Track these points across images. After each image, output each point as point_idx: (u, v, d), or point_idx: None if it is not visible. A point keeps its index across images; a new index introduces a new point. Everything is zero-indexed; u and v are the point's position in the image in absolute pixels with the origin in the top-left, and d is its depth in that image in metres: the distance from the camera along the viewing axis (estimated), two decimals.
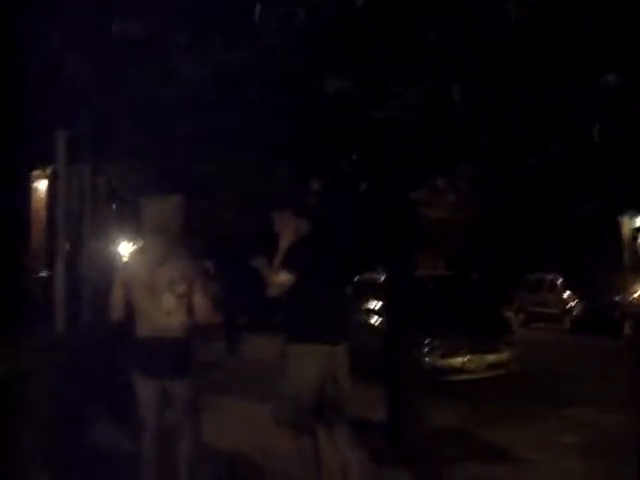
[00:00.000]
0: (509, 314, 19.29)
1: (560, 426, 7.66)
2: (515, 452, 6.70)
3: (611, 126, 5.12)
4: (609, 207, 20.95)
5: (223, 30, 5.21)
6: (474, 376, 10.40)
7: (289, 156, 7.01)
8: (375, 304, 12.01)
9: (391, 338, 7.19)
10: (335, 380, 4.94)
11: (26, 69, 6.77)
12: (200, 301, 4.89)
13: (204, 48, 5.33)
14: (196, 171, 8.91)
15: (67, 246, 7.97)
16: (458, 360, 10.47)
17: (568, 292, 19.63)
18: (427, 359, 10.00)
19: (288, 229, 5.14)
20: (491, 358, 10.61)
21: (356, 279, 14.12)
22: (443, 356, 10.43)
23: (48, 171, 10.11)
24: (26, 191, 9.33)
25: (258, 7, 4.86)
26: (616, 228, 24.09)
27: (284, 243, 5.10)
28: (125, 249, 15.69)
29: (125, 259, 6.69)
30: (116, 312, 5.01)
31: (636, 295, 17.36)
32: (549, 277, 20.67)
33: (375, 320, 11.63)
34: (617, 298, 18.11)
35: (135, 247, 7.68)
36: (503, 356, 10.72)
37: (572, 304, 19.28)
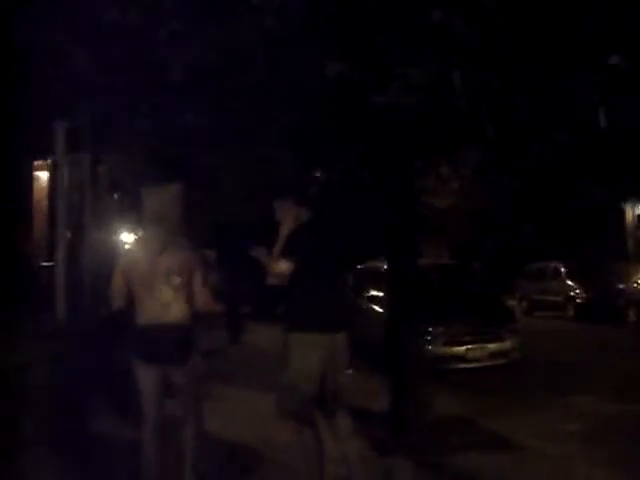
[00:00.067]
0: (512, 302, 19.27)
1: (563, 414, 7.64)
2: (517, 440, 6.68)
3: (616, 111, 5.07)
4: (613, 195, 20.93)
5: (221, 13, 5.17)
6: (477, 365, 10.38)
7: (291, 144, 6.97)
8: (378, 292, 11.98)
9: (393, 327, 7.17)
10: (336, 369, 4.92)
11: (26, 60, 6.74)
12: (200, 290, 4.91)
13: (203, 32, 5.28)
14: (197, 160, 8.88)
15: (68, 235, 7.96)
16: (461, 349, 10.45)
17: (571, 280, 19.59)
18: (430, 348, 9.97)
19: (288, 217, 5.11)
20: (494, 347, 10.58)
21: (359, 267, 14.13)
22: (446, 344, 10.41)
23: (49, 161, 10.09)
24: (27, 181, 9.32)
25: None
26: (620, 216, 24.07)
27: (284, 232, 5.07)
28: (126, 238, 15.69)
29: (126, 248, 6.67)
30: (116, 301, 5.01)
31: None
32: (552, 265, 20.62)
33: (378, 308, 11.60)
34: (621, 286, 18.09)
35: (136, 236, 7.66)
36: (506, 344, 10.69)
37: (576, 292, 19.25)
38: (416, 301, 7.09)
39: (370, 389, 8.25)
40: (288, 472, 5.39)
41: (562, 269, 20.02)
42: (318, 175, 8.07)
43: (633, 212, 24.47)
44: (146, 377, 4.87)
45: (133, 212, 12.10)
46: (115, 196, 13.75)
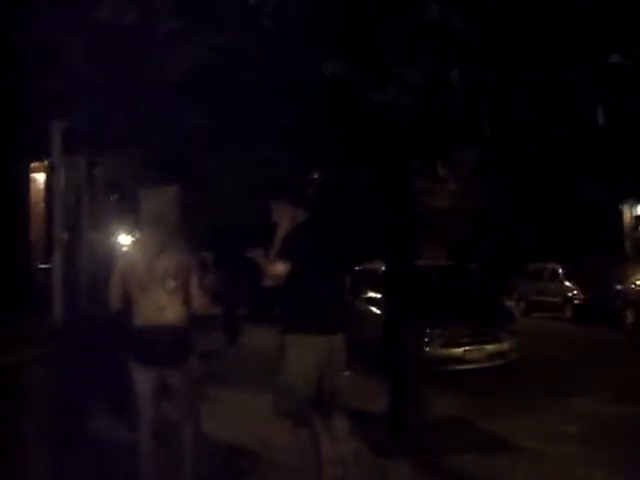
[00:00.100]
0: (510, 303, 19.26)
1: (561, 416, 7.63)
2: (516, 442, 6.68)
3: (615, 109, 5.05)
4: (611, 196, 20.95)
5: (218, 13, 5.15)
6: (475, 366, 10.37)
7: (289, 144, 6.95)
8: (375, 294, 11.98)
9: (391, 328, 7.16)
10: (333, 371, 4.90)
11: (22, 60, 6.73)
12: (197, 292, 4.91)
13: (200, 32, 5.26)
14: (195, 162, 8.86)
15: (65, 237, 7.94)
16: (459, 350, 10.44)
17: (569, 281, 19.60)
18: (428, 349, 9.94)
19: (285, 219, 5.10)
20: (492, 348, 10.57)
21: (357, 269, 14.11)
22: (444, 346, 10.39)
23: (46, 163, 10.08)
24: (24, 183, 9.30)
25: None
26: (618, 217, 24.10)
27: (281, 233, 5.06)
28: (124, 240, 15.67)
29: (124, 250, 6.67)
30: (114, 302, 5.00)
31: (638, 283, 17.30)
32: (550, 266, 20.62)
33: (376, 309, 11.60)
34: (618, 287, 18.07)
35: (134, 238, 7.66)
36: (504, 346, 10.68)
37: (574, 293, 19.25)
38: (414, 302, 7.08)
39: (368, 390, 8.24)
40: (286, 473, 5.38)
41: (560, 270, 20.02)
42: (315, 176, 8.07)
43: (631, 213, 24.49)
44: (143, 379, 4.87)
45: (131, 214, 12.08)
46: (112, 198, 13.73)
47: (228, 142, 6.85)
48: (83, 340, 6.72)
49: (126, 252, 5.36)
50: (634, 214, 24.40)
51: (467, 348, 10.46)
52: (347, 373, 5.15)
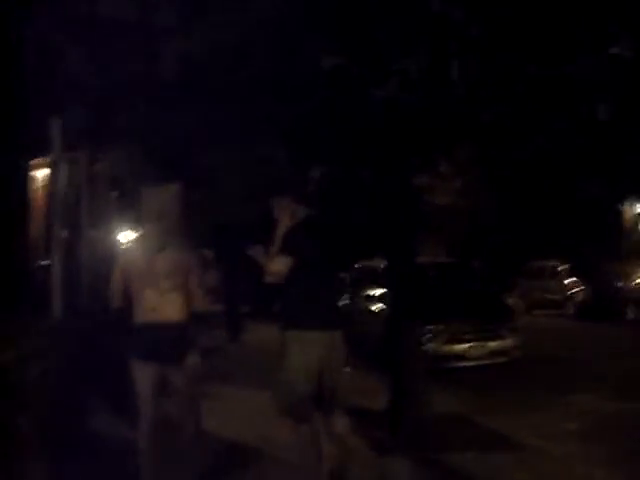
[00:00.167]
0: (511, 301, 19.26)
1: (563, 413, 7.62)
2: (517, 439, 6.66)
3: (616, 104, 5.03)
4: (611, 194, 20.93)
5: (217, 6, 5.13)
6: (476, 363, 10.36)
7: (289, 141, 6.94)
8: (375, 291, 11.98)
9: (392, 325, 7.14)
10: (333, 367, 4.89)
11: (22, 57, 6.71)
12: (197, 290, 4.93)
13: (199, 26, 5.25)
14: (196, 159, 8.85)
15: (65, 234, 7.94)
16: (460, 347, 10.43)
17: (570, 278, 19.61)
18: (430, 346, 9.94)
19: (286, 215, 5.08)
20: (493, 345, 10.56)
21: (357, 266, 14.12)
22: (446, 343, 10.38)
23: (46, 160, 10.06)
24: (23, 180, 9.30)
25: None
26: (618, 215, 24.08)
27: (281, 230, 5.04)
28: (126, 237, 15.65)
29: (125, 247, 6.68)
30: (115, 300, 5.03)
31: (638, 281, 17.31)
32: (551, 264, 20.65)
33: (376, 307, 11.60)
34: (619, 284, 18.08)
35: (135, 235, 7.67)
36: (506, 343, 10.67)
37: (574, 290, 19.26)
38: (416, 299, 7.06)
39: (368, 387, 8.23)
40: (287, 470, 5.36)
41: (561, 267, 20.03)
42: (316, 173, 8.04)
43: (631, 211, 24.48)
44: (143, 376, 4.86)
45: (132, 211, 12.07)
46: (113, 195, 13.72)
47: (228, 139, 6.84)
48: (82, 337, 6.71)
49: (127, 249, 5.37)
50: (634, 212, 24.39)
51: (469, 345, 10.45)
52: (347, 370, 5.14)
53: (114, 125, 7.01)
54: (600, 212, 22.71)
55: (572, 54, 4.94)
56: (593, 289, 18.62)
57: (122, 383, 5.16)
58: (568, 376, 9.68)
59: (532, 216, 23.89)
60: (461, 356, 10.40)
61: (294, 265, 4.80)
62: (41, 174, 11.23)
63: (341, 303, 10.92)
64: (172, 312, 4.82)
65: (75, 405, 6.21)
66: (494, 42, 4.93)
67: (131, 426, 5.11)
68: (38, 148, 8.83)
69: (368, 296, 12.35)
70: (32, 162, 10.52)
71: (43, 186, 11.05)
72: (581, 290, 19.13)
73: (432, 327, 10.15)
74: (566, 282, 19.62)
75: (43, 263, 9.79)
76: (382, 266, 10.63)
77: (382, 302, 10.93)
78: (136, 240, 5.37)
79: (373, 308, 11.71)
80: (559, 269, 20.08)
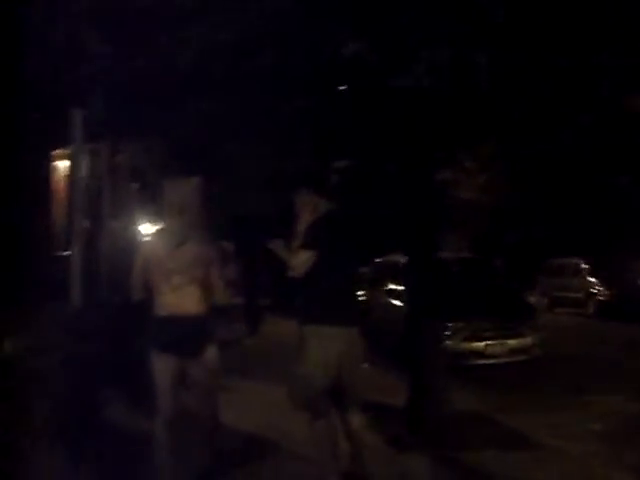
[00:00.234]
0: (533, 298, 19.12)
1: (583, 413, 7.52)
2: (536, 438, 6.59)
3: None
4: (636, 191, 20.69)
5: None
6: (496, 361, 10.26)
7: (310, 131, 6.88)
8: (395, 287, 11.93)
9: (412, 321, 7.09)
10: (351, 363, 4.86)
11: (44, 47, 6.73)
12: (217, 283, 4.97)
13: (216, 12, 5.19)
14: (216, 150, 8.84)
15: (86, 225, 7.98)
16: (480, 344, 10.34)
17: (592, 276, 19.43)
18: (449, 343, 9.86)
19: (307, 209, 5.06)
20: (514, 343, 10.46)
21: (378, 261, 14.07)
22: (465, 340, 10.30)
23: (68, 151, 10.12)
24: (45, 171, 9.35)
25: None
26: None
27: (301, 223, 5.03)
28: (147, 228, 15.71)
29: (146, 239, 6.71)
30: (136, 291, 5.05)
31: None
32: (573, 261, 20.46)
33: (395, 302, 11.54)
34: None
35: (157, 227, 7.70)
36: (526, 341, 10.56)
37: (596, 289, 19.08)
38: (436, 295, 7.00)
39: (387, 384, 8.19)
40: (303, 464, 5.34)
41: (583, 265, 19.86)
42: (339, 165, 7.99)
43: None
44: (162, 368, 4.89)
45: (152, 202, 12.11)
46: (134, 186, 13.77)
47: (248, 130, 6.80)
48: (101, 327, 6.74)
49: (148, 242, 5.39)
50: None
51: (489, 343, 10.35)
52: (365, 366, 5.12)
53: (134, 117, 7.01)
54: (625, 209, 22.46)
55: (602, 44, 4.83)
56: (615, 287, 18.43)
57: (140, 374, 5.17)
58: (589, 375, 9.56)
59: (555, 213, 23.70)
60: (481, 354, 10.31)
61: (315, 260, 4.78)
62: (63, 165, 11.28)
63: (360, 298, 10.90)
64: (192, 305, 4.86)
65: (92, 395, 6.23)
66: (521, 30, 4.82)
67: (148, 417, 5.11)
68: (60, 139, 8.87)
69: (388, 291, 12.29)
70: (54, 153, 10.59)
71: (65, 177, 11.09)
72: (603, 288, 18.94)
73: (452, 324, 10.07)
74: (588, 280, 19.43)
75: (64, 253, 9.85)
76: (403, 261, 10.56)
77: (402, 298, 10.87)
78: (157, 233, 5.39)
79: (393, 304, 11.65)
80: (581, 267, 19.90)
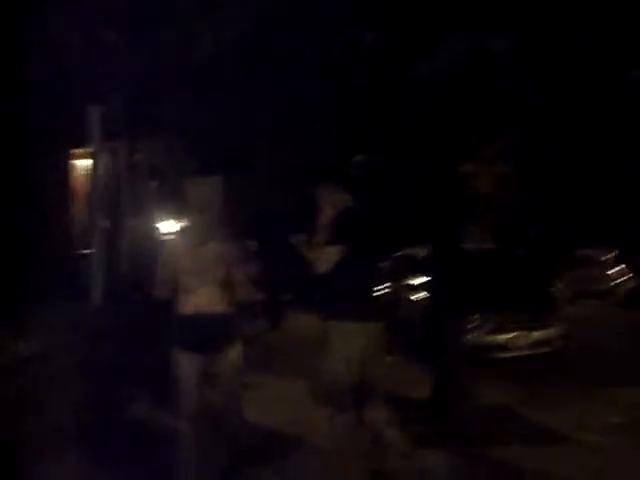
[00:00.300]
0: (557, 289, 18.96)
1: (609, 405, 7.44)
2: (562, 432, 6.52)
3: None
4: None
5: None
6: (521, 353, 10.18)
7: (330, 126, 6.84)
8: (416, 280, 11.87)
9: (436, 314, 7.05)
10: (375, 358, 4.84)
11: (60, 46, 6.75)
12: (238, 281, 4.97)
13: (231, 4, 5.15)
14: (235, 147, 8.83)
15: (106, 224, 8.02)
16: (504, 337, 10.26)
17: (618, 267, 19.26)
18: (473, 336, 9.78)
19: (328, 205, 5.05)
20: (538, 335, 10.36)
21: (398, 254, 14.01)
22: (489, 333, 10.23)
23: (87, 149, 10.16)
24: (64, 170, 9.39)
25: None
26: None
27: (323, 219, 5.02)
28: (167, 226, 15.77)
29: (168, 237, 6.74)
30: (161, 290, 5.07)
31: None
32: (598, 252, 20.29)
33: (417, 296, 11.49)
34: None
35: (177, 225, 7.72)
36: (551, 333, 10.46)
37: (621, 280, 18.91)
38: (459, 288, 6.95)
39: (410, 378, 8.15)
40: (325, 459, 5.32)
41: (609, 256, 19.70)
42: (358, 160, 7.92)
43: None
44: (187, 365, 4.91)
45: (171, 200, 12.14)
46: (153, 184, 13.82)
47: (266, 126, 6.78)
48: (122, 325, 6.77)
49: (172, 240, 5.42)
50: None
51: (513, 335, 10.27)
52: (389, 360, 5.10)
53: (152, 114, 7.02)
54: None
55: (628, 30, 4.73)
56: None
57: (164, 370, 5.19)
58: (614, 367, 9.45)
59: (579, 203, 23.50)
60: (505, 346, 10.23)
61: (338, 255, 4.76)
62: (82, 164, 11.34)
63: (382, 292, 10.86)
64: (215, 303, 4.88)
65: (117, 392, 6.26)
66: (543, 15, 4.72)
67: (173, 414, 5.12)
68: (79, 138, 8.91)
69: (409, 285, 12.24)
70: (73, 152, 10.63)
71: (84, 176, 11.15)
72: (628, 279, 18.77)
73: (475, 316, 10.00)
74: (612, 271, 19.27)
75: (84, 252, 9.91)
76: (422, 255, 10.50)
77: (424, 291, 10.81)
78: (179, 232, 5.41)
79: (415, 297, 11.60)
80: (605, 258, 19.73)
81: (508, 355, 10.14)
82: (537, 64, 5.11)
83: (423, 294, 11.03)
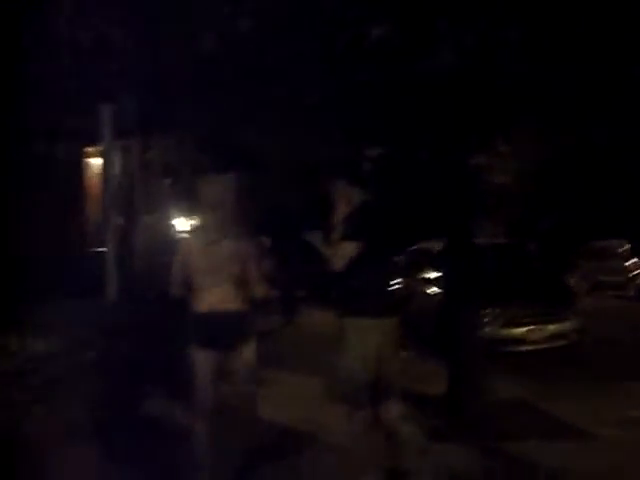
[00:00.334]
0: (572, 282, 18.86)
1: (626, 399, 7.39)
2: (579, 426, 6.48)
3: None
4: None
5: None
6: (536, 347, 10.11)
7: (342, 121, 6.81)
8: (431, 274, 11.82)
9: (450, 308, 7.02)
10: (390, 354, 4.83)
11: (72, 45, 6.76)
12: (254, 277, 4.98)
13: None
14: (247, 143, 8.82)
15: (120, 221, 8.04)
16: (519, 330, 10.19)
17: (633, 259, 19.13)
18: (487, 329, 9.73)
19: (342, 200, 5.03)
20: (553, 328, 10.29)
21: (413, 248, 13.97)
22: (504, 326, 10.15)
23: (100, 148, 10.19)
24: (77, 168, 9.42)
25: None
26: None
27: (338, 215, 5.01)
28: (181, 224, 15.80)
29: (182, 235, 6.74)
30: (176, 287, 5.09)
31: None
32: (614, 244, 20.16)
33: (432, 290, 11.45)
34: None
35: (191, 222, 7.72)
36: (566, 326, 10.39)
37: (637, 272, 18.79)
38: (473, 281, 6.91)
39: (425, 372, 8.13)
40: (340, 457, 5.31)
41: (624, 248, 19.57)
42: (371, 154, 7.91)
43: None
44: (201, 362, 4.92)
45: (185, 198, 12.16)
46: (166, 182, 13.84)
47: (278, 120, 6.75)
48: (137, 322, 6.78)
49: (187, 238, 5.43)
50: None
51: (528, 328, 10.21)
52: (404, 354, 5.08)
53: (165, 112, 7.02)
54: None
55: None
56: None
57: (179, 368, 5.20)
58: (630, 360, 9.39)
59: (594, 195, 23.35)
60: (520, 340, 10.16)
61: (353, 251, 4.75)
62: (96, 162, 11.38)
63: (397, 287, 10.82)
64: (230, 300, 4.90)
65: (131, 389, 6.28)
66: (556, 6, 4.65)
67: (187, 412, 5.13)
68: (91, 137, 8.94)
69: (424, 279, 12.19)
70: (87, 150, 10.67)
71: (98, 174, 11.19)
72: None
73: (490, 310, 9.95)
74: (628, 263, 19.14)
75: (98, 249, 9.95)
76: (437, 248, 10.45)
77: (439, 285, 10.77)
78: (194, 230, 5.41)
79: (429, 291, 11.56)
80: (621, 250, 19.59)
81: (524, 348, 10.07)
82: (549, 55, 5.05)
83: (438, 288, 10.99)
